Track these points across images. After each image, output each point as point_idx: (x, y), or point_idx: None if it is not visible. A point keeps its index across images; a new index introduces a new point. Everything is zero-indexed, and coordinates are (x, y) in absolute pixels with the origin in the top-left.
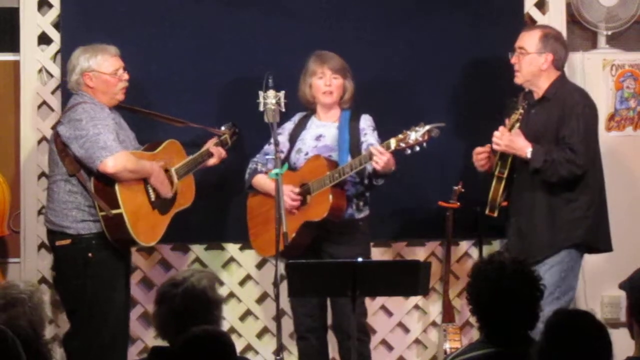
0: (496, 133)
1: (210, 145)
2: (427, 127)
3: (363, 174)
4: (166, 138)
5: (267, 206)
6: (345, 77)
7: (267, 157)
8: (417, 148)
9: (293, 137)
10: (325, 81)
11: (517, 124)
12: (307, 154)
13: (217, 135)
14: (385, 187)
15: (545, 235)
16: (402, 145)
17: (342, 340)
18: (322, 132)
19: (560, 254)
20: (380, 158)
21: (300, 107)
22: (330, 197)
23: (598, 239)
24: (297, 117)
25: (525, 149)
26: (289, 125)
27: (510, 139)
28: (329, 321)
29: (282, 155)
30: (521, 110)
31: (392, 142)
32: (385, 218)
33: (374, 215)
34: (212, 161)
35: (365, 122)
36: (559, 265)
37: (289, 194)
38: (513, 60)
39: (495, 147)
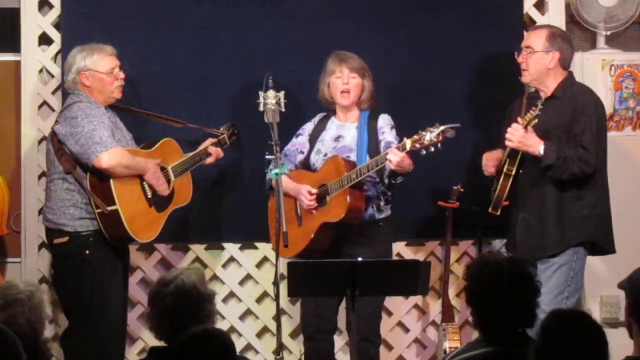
0: (510, 129)
1: (208, 144)
2: (442, 128)
3: (383, 173)
4: (163, 138)
5: (287, 207)
6: (363, 76)
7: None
8: (432, 149)
9: (313, 138)
10: (343, 80)
11: (535, 121)
12: (326, 154)
13: (216, 135)
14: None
15: (554, 232)
16: (417, 145)
17: (356, 342)
18: (342, 132)
19: (568, 253)
20: (393, 158)
21: (301, 107)
22: (348, 198)
23: (604, 238)
24: (317, 118)
25: (537, 145)
26: (309, 126)
27: (524, 136)
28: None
29: (303, 156)
30: (540, 106)
31: (408, 143)
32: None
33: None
34: (208, 160)
35: (384, 120)
36: (568, 265)
37: (305, 194)
38: (520, 59)
39: (507, 143)
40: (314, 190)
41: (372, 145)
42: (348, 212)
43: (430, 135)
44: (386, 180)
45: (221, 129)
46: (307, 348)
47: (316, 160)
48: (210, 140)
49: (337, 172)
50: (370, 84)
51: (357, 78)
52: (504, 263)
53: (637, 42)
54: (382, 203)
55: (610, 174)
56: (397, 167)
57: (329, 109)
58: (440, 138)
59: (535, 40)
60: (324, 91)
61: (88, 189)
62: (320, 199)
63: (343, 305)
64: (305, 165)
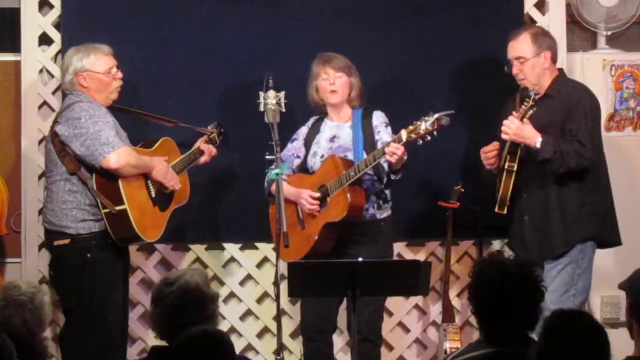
0: (506, 122)
1: (201, 143)
2: (436, 116)
3: (381, 172)
4: (154, 137)
5: (288, 212)
6: (349, 74)
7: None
8: (428, 137)
9: (308, 142)
10: (329, 80)
11: (530, 112)
12: (322, 156)
13: (206, 133)
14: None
15: (558, 230)
16: (413, 136)
17: (357, 342)
18: (336, 132)
19: (574, 251)
20: (396, 153)
21: (301, 107)
22: (348, 195)
23: (608, 233)
24: (310, 122)
25: (534, 138)
26: (303, 130)
27: (520, 127)
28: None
29: (300, 160)
30: (534, 97)
31: (404, 134)
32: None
33: None
34: (203, 159)
35: (378, 119)
36: (574, 263)
37: (307, 198)
38: (515, 71)
39: (504, 135)
40: (316, 195)
41: (368, 143)
42: (350, 210)
43: (425, 124)
44: (384, 177)
45: (209, 127)
46: (307, 349)
47: (313, 163)
48: (202, 139)
49: (335, 171)
50: (358, 80)
51: (344, 77)
52: (509, 264)
53: (638, 42)
54: (381, 202)
55: (611, 173)
56: (396, 160)
57: (321, 112)
58: (436, 126)
59: (522, 48)
60: (313, 95)
61: (94, 189)
62: (321, 200)
63: (344, 305)
64: (303, 169)
